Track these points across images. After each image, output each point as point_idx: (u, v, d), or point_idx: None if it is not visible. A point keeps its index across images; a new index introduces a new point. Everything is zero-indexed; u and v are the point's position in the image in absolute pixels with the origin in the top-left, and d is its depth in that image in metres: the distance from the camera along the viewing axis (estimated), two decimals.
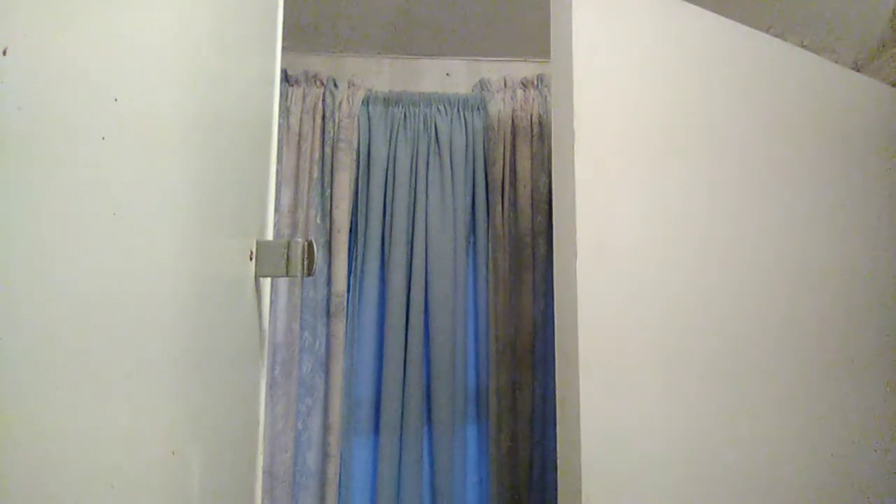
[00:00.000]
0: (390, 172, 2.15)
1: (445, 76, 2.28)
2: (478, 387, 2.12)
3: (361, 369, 2.07)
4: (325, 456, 2.00)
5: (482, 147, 2.20)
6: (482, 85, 2.25)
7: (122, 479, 0.40)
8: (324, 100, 2.17)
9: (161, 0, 0.40)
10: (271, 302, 0.86)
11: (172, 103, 0.43)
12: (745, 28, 1.49)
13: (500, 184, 2.16)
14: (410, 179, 2.15)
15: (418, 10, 2.03)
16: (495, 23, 2.09)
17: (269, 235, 0.90)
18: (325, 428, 2.02)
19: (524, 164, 2.16)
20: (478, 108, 2.22)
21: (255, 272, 0.78)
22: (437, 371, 2.05)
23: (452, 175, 2.16)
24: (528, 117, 2.21)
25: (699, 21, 1.42)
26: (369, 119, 2.18)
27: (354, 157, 2.15)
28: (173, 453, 0.51)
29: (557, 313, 1.21)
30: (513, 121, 2.20)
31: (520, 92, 2.23)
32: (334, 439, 2.00)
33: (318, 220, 2.12)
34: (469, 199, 2.17)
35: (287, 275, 0.79)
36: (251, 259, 0.77)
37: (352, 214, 2.14)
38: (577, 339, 1.15)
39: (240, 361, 0.75)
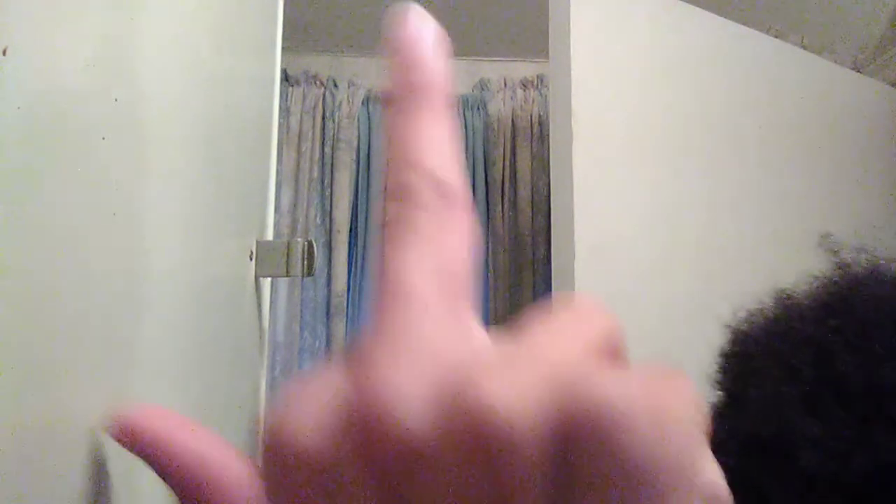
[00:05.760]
0: None
1: None
2: None
3: None
4: None
5: (482, 147, 2.20)
6: (482, 85, 2.25)
7: (122, 480, 0.40)
8: (324, 100, 2.17)
9: (161, 0, 0.40)
10: (271, 302, 0.86)
11: (172, 103, 0.43)
12: (744, 28, 1.49)
13: (500, 184, 2.16)
14: None
15: None
16: (495, 23, 2.09)
17: (269, 235, 0.90)
18: None
19: (524, 165, 2.16)
20: (478, 108, 2.22)
21: (256, 272, 0.78)
22: None
23: None
24: (529, 117, 2.21)
25: (698, 21, 1.42)
26: (369, 119, 2.18)
27: (354, 157, 2.15)
28: None
29: None
30: (513, 121, 2.20)
31: (520, 92, 2.23)
32: None
33: (318, 220, 2.12)
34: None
35: (287, 275, 0.79)
36: (251, 259, 0.77)
37: (352, 214, 2.14)
38: None
39: (240, 362, 0.75)
